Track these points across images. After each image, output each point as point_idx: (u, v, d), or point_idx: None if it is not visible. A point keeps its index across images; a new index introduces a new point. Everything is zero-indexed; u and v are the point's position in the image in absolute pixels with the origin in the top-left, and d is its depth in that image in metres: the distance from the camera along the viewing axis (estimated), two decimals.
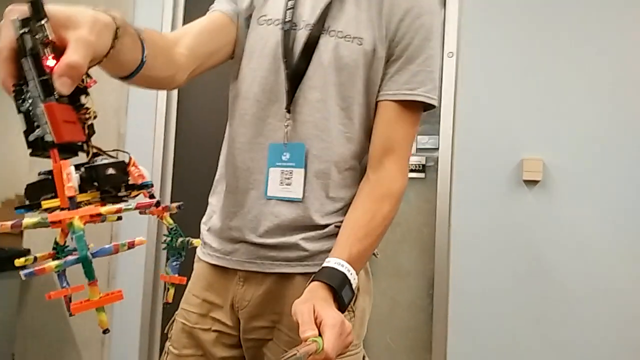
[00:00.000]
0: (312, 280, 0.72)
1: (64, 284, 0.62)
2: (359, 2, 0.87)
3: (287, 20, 0.87)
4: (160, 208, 0.64)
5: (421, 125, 1.97)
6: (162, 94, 2.30)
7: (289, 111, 0.86)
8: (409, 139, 0.88)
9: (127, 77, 0.67)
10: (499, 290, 1.78)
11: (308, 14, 0.87)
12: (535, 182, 1.75)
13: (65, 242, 0.61)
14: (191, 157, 2.27)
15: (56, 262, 0.46)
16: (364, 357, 0.90)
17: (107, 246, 0.49)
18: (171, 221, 0.70)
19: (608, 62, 1.74)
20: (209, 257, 0.92)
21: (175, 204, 0.66)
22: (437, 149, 1.89)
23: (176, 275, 0.75)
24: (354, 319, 0.86)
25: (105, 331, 0.50)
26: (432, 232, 1.88)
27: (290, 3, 0.88)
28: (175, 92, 2.33)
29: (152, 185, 0.60)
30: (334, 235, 0.85)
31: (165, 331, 0.96)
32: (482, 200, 1.82)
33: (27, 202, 0.51)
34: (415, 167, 1.93)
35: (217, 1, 0.94)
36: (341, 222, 0.85)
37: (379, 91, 0.87)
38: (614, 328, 1.68)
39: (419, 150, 1.95)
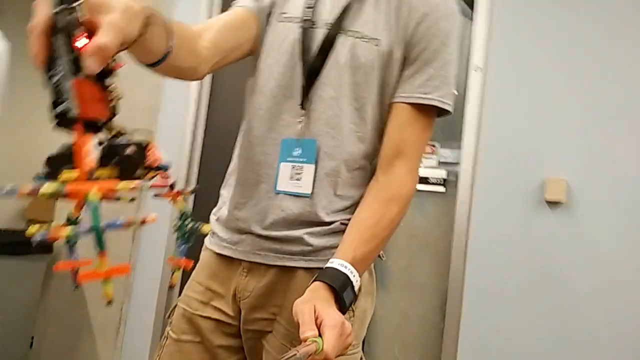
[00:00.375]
0: (314, 280, 0.72)
1: (73, 257, 0.64)
2: (378, 3, 0.88)
3: (306, 18, 0.89)
4: (174, 192, 0.65)
5: (444, 139, 1.97)
6: (194, 95, 2.37)
7: (302, 107, 0.87)
8: (420, 143, 0.88)
9: (153, 65, 0.69)
10: (514, 314, 1.73)
11: (327, 13, 0.89)
12: (558, 203, 1.70)
13: (78, 215, 0.63)
14: (217, 156, 2.32)
15: (68, 229, 0.48)
16: (361, 358, 0.90)
17: (119, 220, 0.50)
18: (183, 206, 0.71)
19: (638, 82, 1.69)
20: (216, 246, 0.93)
21: (189, 188, 0.67)
22: (459, 163, 1.87)
23: (183, 258, 0.76)
24: (354, 319, 0.85)
25: (109, 302, 0.51)
26: (449, 247, 1.85)
27: (310, 2, 0.90)
28: (206, 94, 2.40)
29: (168, 168, 0.62)
30: (339, 232, 0.85)
31: (167, 316, 0.98)
32: (502, 218, 1.78)
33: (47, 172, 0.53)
34: (436, 180, 1.92)
35: None
36: (347, 219, 0.85)
37: (393, 93, 0.87)
38: None
39: (440, 164, 1.94)
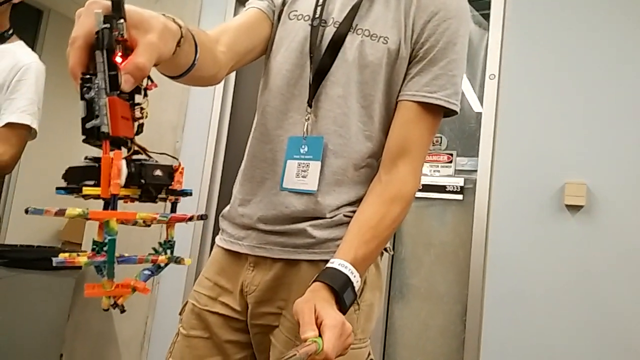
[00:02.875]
0: (314, 280, 0.72)
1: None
2: (388, 2, 0.88)
3: (316, 16, 0.90)
4: (171, 217, 0.63)
5: (460, 146, 1.96)
6: (216, 113, 2.45)
7: (310, 106, 0.87)
8: (424, 142, 0.86)
9: (177, 77, 0.72)
10: (536, 322, 1.68)
11: (337, 12, 0.89)
12: (578, 207, 1.66)
13: (103, 239, 0.64)
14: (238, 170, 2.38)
15: (85, 259, 0.48)
16: (369, 354, 0.89)
17: (132, 256, 0.52)
18: (173, 235, 0.69)
19: None
20: (224, 242, 0.94)
21: (198, 214, 0.66)
22: (476, 171, 1.85)
23: (143, 282, 0.71)
24: (359, 312, 0.84)
25: (107, 310, 0.52)
26: (468, 256, 1.82)
27: (320, 0, 0.91)
28: (227, 112, 2.49)
29: (191, 194, 0.60)
30: (342, 224, 0.85)
31: (179, 313, 0.99)
32: (521, 225, 1.74)
33: (66, 184, 0.53)
34: (454, 188, 1.90)
35: None
36: (350, 212, 0.85)
37: (399, 91, 0.87)
38: None
39: (457, 171, 1.93)
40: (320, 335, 0.61)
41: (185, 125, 2.51)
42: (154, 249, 0.64)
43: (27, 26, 4.05)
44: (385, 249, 0.94)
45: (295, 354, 0.55)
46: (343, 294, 0.71)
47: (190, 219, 0.63)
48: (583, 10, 1.78)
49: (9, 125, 1.50)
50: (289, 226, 0.86)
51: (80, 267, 2.57)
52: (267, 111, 0.92)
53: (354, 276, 0.74)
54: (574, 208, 1.67)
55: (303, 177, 0.87)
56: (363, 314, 0.86)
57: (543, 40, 1.82)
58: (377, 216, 0.81)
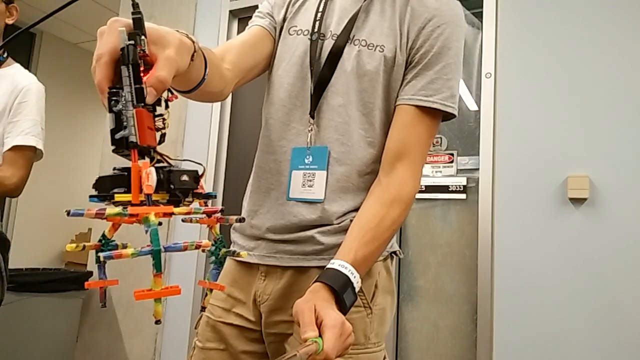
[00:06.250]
0: (315, 281, 0.73)
1: (102, 276, 0.64)
2: (384, 12, 0.90)
3: (315, 31, 0.92)
4: (211, 218, 0.67)
5: (461, 146, 1.97)
6: (215, 127, 2.47)
7: (312, 116, 0.89)
8: (423, 144, 0.88)
9: (188, 92, 0.74)
10: (548, 317, 1.68)
11: (335, 25, 0.92)
12: (581, 200, 1.67)
13: (112, 236, 0.66)
14: (238, 185, 2.39)
15: (132, 250, 0.49)
16: (384, 358, 0.89)
17: (178, 243, 0.52)
18: (219, 232, 0.72)
19: None
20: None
21: (235, 217, 0.68)
22: (478, 169, 1.86)
23: (214, 282, 0.77)
24: (372, 316, 0.85)
25: (158, 322, 0.52)
26: (475, 255, 1.83)
27: (318, 15, 0.94)
28: (226, 125, 2.50)
29: (215, 196, 0.64)
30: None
31: (194, 327, 0.99)
32: (526, 220, 1.75)
33: (97, 193, 0.55)
34: (456, 188, 1.91)
35: (255, 15, 1.00)
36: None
37: (397, 96, 0.89)
38: None
39: (459, 171, 1.93)
40: (320, 336, 0.61)
41: (185, 140, 2.53)
42: (208, 249, 0.67)
43: (21, 48, 4.07)
44: (395, 253, 0.95)
45: (295, 354, 0.55)
46: (343, 294, 0.71)
47: (222, 211, 0.65)
48: (574, 2, 1.80)
49: (14, 148, 1.51)
50: (297, 234, 0.88)
51: (86, 289, 2.58)
52: (271, 123, 0.95)
53: (354, 277, 0.75)
54: (577, 201, 1.68)
55: (309, 186, 0.89)
56: (376, 318, 0.87)
57: (537, 35, 1.83)
58: (377, 218, 0.82)
